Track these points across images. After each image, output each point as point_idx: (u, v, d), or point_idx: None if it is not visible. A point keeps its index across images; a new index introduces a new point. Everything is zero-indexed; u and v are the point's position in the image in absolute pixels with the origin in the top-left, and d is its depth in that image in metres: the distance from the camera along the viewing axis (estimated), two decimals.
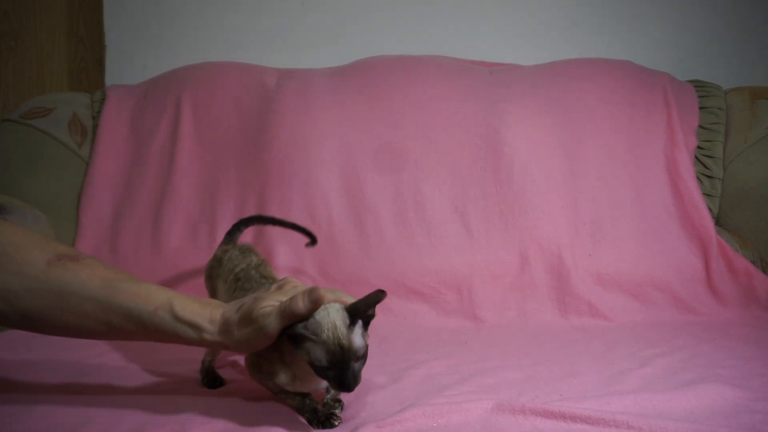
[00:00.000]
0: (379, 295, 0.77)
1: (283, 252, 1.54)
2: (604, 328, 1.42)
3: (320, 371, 0.78)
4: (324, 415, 0.84)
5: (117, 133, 1.73)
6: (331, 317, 0.77)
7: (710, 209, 1.64)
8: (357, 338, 0.77)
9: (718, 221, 1.67)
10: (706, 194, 1.66)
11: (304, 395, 0.86)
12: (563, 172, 1.60)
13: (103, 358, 1.17)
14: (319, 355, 0.77)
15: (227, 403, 0.92)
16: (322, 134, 1.63)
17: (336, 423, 0.83)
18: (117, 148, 1.71)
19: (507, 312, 1.45)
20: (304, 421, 0.85)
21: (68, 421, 0.86)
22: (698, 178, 1.66)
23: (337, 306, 0.79)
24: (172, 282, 1.55)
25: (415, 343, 1.24)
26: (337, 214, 1.57)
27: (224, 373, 1.07)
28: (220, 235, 1.59)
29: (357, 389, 0.79)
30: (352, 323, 0.78)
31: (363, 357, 0.79)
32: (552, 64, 1.80)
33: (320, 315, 0.77)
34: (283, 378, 0.84)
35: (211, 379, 1.02)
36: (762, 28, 1.96)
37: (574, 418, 0.83)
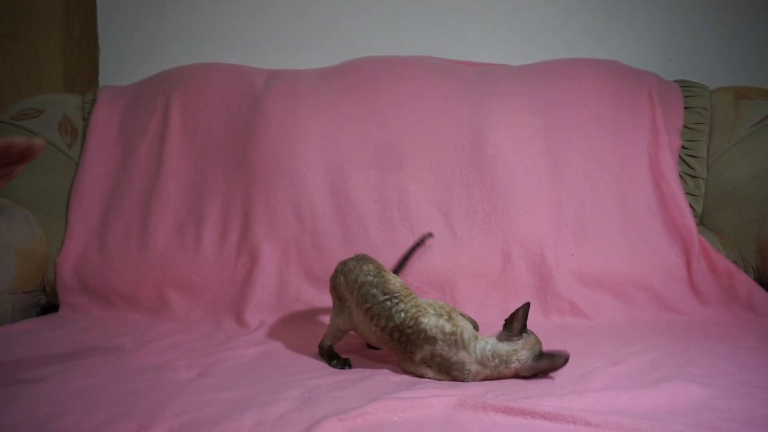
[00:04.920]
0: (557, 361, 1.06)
1: (268, 250, 1.56)
2: (586, 327, 1.42)
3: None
4: None
5: (106, 134, 1.75)
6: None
7: (694, 209, 1.65)
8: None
9: (702, 221, 1.67)
10: (690, 194, 1.66)
11: None
12: (547, 171, 1.61)
13: (84, 355, 1.20)
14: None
15: (196, 399, 0.94)
16: (309, 134, 1.65)
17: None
18: (106, 148, 1.74)
19: (489, 311, 1.46)
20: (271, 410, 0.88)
21: (45, 413, 0.89)
22: (682, 177, 1.66)
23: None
24: (160, 280, 1.57)
25: None
26: (321, 213, 1.59)
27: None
28: (207, 234, 1.62)
29: (328, 386, 1.01)
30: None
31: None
32: (538, 64, 1.80)
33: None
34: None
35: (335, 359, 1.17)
36: (751, 28, 1.96)
37: (533, 415, 0.85)
